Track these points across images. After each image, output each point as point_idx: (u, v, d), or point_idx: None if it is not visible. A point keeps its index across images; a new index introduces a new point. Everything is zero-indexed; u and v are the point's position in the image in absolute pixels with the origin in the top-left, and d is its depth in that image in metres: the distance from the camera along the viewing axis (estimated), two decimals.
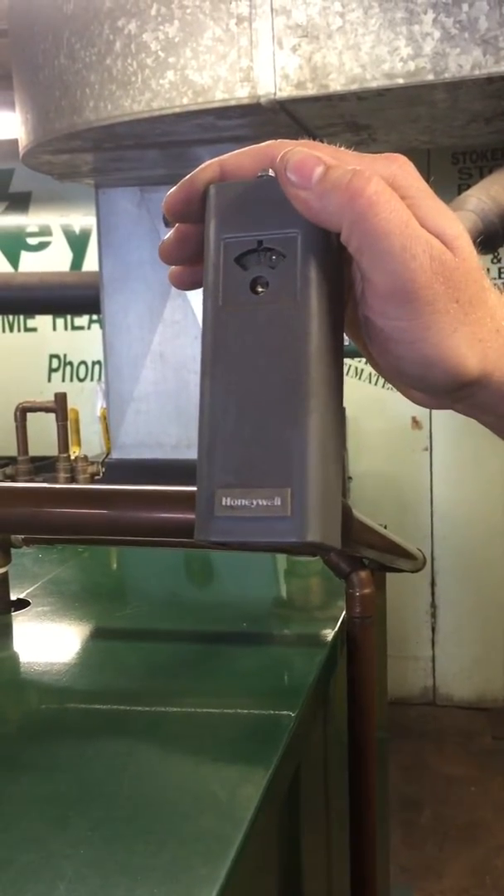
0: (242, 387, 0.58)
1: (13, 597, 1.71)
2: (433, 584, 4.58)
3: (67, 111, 2.68)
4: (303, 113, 2.54)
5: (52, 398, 3.53)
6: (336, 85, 2.36)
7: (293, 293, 0.58)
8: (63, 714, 1.30)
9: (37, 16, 2.73)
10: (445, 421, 4.46)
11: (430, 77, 2.30)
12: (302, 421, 0.56)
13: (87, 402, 4.48)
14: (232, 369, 0.58)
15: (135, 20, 2.48)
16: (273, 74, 2.38)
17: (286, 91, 2.38)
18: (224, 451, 0.58)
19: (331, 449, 0.59)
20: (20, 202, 4.92)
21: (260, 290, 0.60)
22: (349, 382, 4.41)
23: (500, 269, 4.38)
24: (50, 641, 1.57)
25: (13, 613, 1.67)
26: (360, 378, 4.46)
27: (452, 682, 4.61)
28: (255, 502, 0.58)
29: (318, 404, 0.56)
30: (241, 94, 2.41)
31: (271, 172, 0.62)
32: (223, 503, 0.59)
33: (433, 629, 4.61)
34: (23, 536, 1.61)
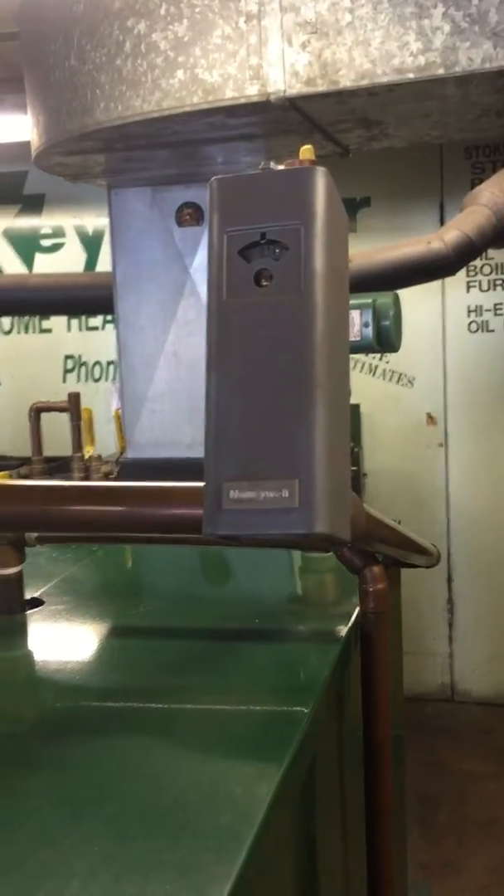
0: (248, 380, 0.57)
1: (28, 596, 1.72)
2: (450, 580, 4.56)
3: (78, 112, 2.69)
4: (313, 110, 2.54)
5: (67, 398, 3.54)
6: (346, 81, 2.35)
7: (297, 285, 0.58)
8: (77, 712, 1.30)
9: (47, 17, 2.74)
10: (460, 416, 4.44)
11: (441, 71, 2.29)
12: (308, 412, 0.56)
13: (102, 402, 4.49)
14: (237, 363, 0.58)
15: (144, 20, 2.48)
16: (282, 72, 2.38)
17: (296, 88, 2.38)
18: (231, 444, 0.58)
19: (338, 440, 0.58)
20: (34, 204, 4.94)
21: (264, 282, 0.60)
22: (364, 379, 4.40)
23: None
24: (64, 640, 1.57)
25: (28, 612, 1.68)
26: (374, 375, 4.45)
27: (470, 678, 4.59)
28: (262, 494, 0.58)
29: (324, 395, 0.56)
30: (251, 91, 2.41)
31: (273, 164, 0.61)
32: (231, 496, 0.59)
33: (450, 625, 4.59)
34: (36, 535, 1.62)
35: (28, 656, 1.55)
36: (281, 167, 0.69)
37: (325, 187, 0.65)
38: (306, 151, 2.05)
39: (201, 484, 0.65)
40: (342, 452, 0.62)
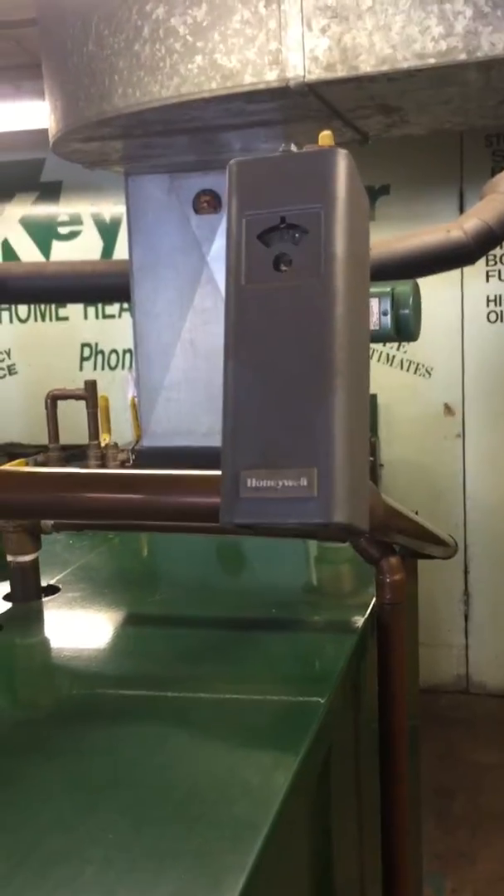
0: (266, 366, 0.57)
1: (44, 583, 1.72)
2: (466, 571, 4.54)
3: (96, 98, 2.68)
4: (333, 95, 2.51)
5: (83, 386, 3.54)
6: (366, 66, 2.32)
7: (317, 270, 0.57)
8: (93, 700, 1.30)
9: (65, 3, 2.73)
10: (478, 407, 4.41)
11: (463, 56, 2.25)
12: (327, 400, 0.55)
13: (118, 390, 4.49)
14: (255, 349, 0.57)
15: (163, 4, 2.46)
16: (302, 57, 2.35)
17: (315, 73, 2.35)
18: (249, 432, 0.58)
19: (357, 428, 0.57)
20: (51, 191, 4.94)
21: (283, 267, 0.59)
22: (381, 370, 4.37)
23: None
24: (80, 627, 1.58)
25: (44, 599, 1.68)
26: (391, 365, 4.43)
27: (486, 670, 4.58)
28: (280, 483, 0.57)
29: (343, 383, 0.55)
30: (270, 77, 2.39)
31: (293, 147, 0.60)
32: (249, 485, 0.58)
33: (466, 617, 4.58)
34: (52, 522, 1.62)
35: (44, 643, 1.55)
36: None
37: (346, 169, 0.64)
38: (325, 137, 2.02)
39: (218, 472, 0.65)
40: (361, 441, 0.61)
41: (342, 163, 0.66)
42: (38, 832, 0.94)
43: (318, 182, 0.60)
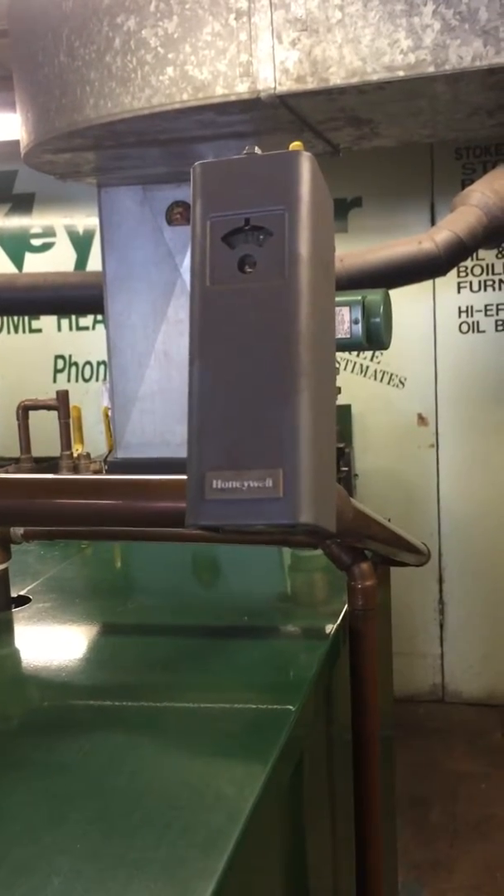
0: (231, 368, 0.57)
1: (14, 593, 1.71)
2: (441, 580, 4.56)
3: (68, 109, 2.68)
4: (303, 107, 2.53)
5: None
6: (336, 78, 2.34)
7: (281, 271, 0.57)
8: (64, 710, 1.29)
9: (36, 15, 2.73)
10: (451, 417, 4.44)
11: (431, 69, 2.28)
12: (292, 400, 0.55)
13: (92, 402, 4.47)
14: (220, 350, 0.57)
15: (134, 16, 2.47)
16: (273, 69, 2.37)
17: (286, 85, 2.37)
18: (214, 433, 0.57)
19: (323, 429, 0.57)
20: (24, 203, 4.92)
21: (248, 268, 0.59)
22: (354, 380, 4.39)
23: None
24: (50, 638, 1.56)
25: (14, 610, 1.66)
26: (365, 375, 4.45)
27: (461, 679, 4.59)
28: (246, 484, 0.57)
29: (308, 383, 0.55)
30: (241, 89, 2.40)
31: (257, 149, 0.61)
32: (214, 486, 0.58)
33: (441, 626, 4.59)
34: (22, 531, 1.61)
35: (14, 654, 1.54)
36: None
37: (309, 172, 0.64)
38: (296, 148, 2.04)
39: (185, 477, 0.64)
40: (327, 442, 0.61)
41: (306, 165, 0.66)
42: (6, 843, 0.93)
43: (281, 184, 0.60)
